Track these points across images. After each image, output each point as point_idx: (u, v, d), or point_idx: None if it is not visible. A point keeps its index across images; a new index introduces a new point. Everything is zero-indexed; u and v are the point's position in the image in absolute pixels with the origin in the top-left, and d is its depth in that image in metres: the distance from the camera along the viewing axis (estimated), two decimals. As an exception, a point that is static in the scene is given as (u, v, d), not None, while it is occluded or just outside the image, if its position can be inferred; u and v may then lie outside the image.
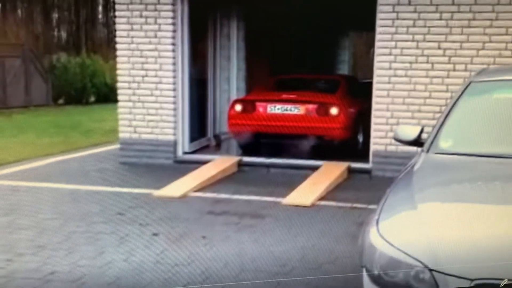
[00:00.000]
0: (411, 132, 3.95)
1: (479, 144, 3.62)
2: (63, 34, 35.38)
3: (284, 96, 8.88)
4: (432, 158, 3.57)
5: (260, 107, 8.81)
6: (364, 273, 2.70)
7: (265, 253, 4.82)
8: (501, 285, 2.29)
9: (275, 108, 8.71)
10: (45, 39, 29.58)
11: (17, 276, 4.28)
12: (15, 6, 31.88)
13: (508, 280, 2.30)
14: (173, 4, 8.23)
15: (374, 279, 2.64)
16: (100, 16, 36.53)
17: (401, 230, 2.74)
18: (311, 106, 8.60)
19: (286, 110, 8.67)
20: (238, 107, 8.95)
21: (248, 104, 8.91)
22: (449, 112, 3.87)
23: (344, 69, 16.46)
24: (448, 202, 3.01)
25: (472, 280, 2.35)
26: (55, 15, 34.95)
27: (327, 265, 4.55)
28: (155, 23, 8.25)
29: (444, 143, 3.68)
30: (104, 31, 35.31)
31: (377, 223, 2.82)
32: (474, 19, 7.28)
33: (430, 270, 2.45)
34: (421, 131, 3.93)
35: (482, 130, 3.77)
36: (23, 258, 4.64)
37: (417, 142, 3.90)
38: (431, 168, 3.48)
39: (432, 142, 3.70)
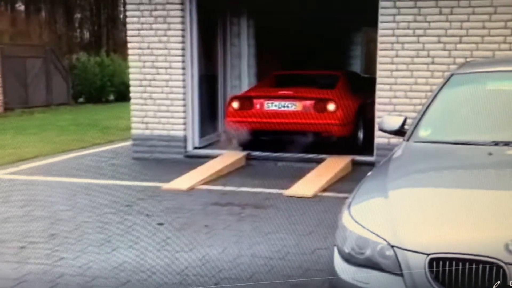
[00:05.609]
0: (394, 122, 4.15)
1: (455, 133, 3.81)
2: (86, 34, 36.03)
3: (281, 92, 8.74)
4: (411, 146, 3.77)
5: (257, 103, 8.62)
6: (335, 251, 2.93)
7: (262, 240, 5.07)
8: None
9: (272, 105, 8.55)
10: (68, 39, 30.21)
11: (29, 261, 4.58)
12: (38, 8, 32.57)
13: (459, 254, 2.51)
14: (182, 3, 8.49)
15: (344, 256, 2.86)
16: (121, 16, 37.04)
17: (370, 212, 2.96)
18: (308, 102, 8.42)
19: (283, 106, 8.51)
20: (235, 104, 8.74)
21: (245, 101, 8.73)
22: (430, 102, 4.06)
23: (356, 65, 16.55)
24: (416, 187, 3.22)
25: (428, 254, 2.57)
26: (77, 16, 35.57)
27: (320, 250, 4.77)
28: (165, 22, 8.53)
29: (423, 132, 3.87)
30: (125, 31, 35.75)
31: (349, 206, 3.04)
32: (473, 13, 7.40)
33: (392, 246, 2.68)
34: (404, 121, 4.12)
35: (460, 120, 3.97)
36: (36, 245, 4.95)
37: (400, 131, 4.09)
38: (408, 155, 3.68)
39: (412, 132, 3.90)
